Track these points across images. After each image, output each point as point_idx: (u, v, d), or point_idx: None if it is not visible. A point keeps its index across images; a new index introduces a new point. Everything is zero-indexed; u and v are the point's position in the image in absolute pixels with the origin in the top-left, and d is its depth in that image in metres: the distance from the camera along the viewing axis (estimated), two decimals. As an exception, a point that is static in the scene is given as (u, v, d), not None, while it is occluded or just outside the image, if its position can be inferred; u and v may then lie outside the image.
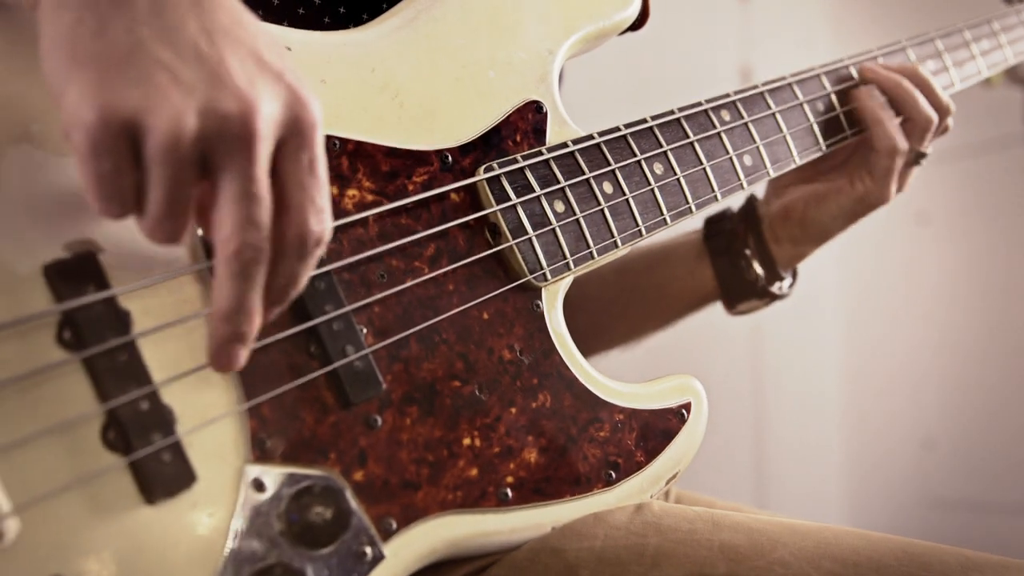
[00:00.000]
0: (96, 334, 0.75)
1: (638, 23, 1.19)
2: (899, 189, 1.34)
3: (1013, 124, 2.63)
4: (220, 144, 0.69)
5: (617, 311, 1.48)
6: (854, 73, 1.32)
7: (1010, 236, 3.07)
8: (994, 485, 3.18)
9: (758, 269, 1.36)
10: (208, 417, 0.80)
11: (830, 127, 1.28)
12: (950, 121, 1.35)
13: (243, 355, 0.75)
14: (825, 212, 1.33)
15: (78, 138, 0.67)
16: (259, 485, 0.81)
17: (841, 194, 1.32)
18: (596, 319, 1.48)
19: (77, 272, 0.76)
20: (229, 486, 0.80)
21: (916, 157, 1.32)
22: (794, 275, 1.42)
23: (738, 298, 1.39)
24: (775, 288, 1.38)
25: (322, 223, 0.75)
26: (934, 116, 1.30)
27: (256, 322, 0.74)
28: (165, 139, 0.66)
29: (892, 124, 1.28)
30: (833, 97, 1.29)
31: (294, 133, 0.72)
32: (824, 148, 1.27)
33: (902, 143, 1.28)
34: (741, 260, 1.37)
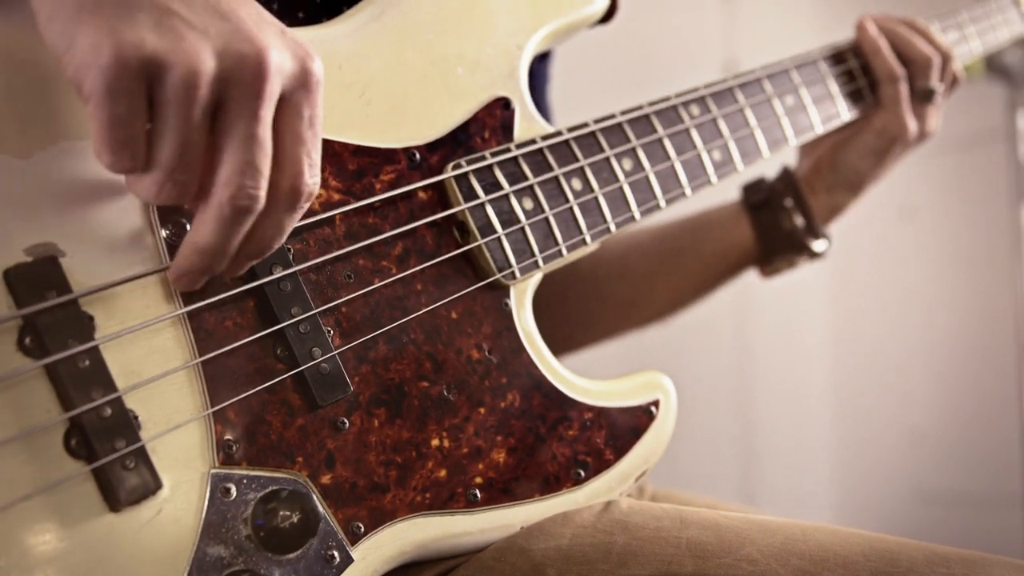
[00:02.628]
0: (58, 340, 0.74)
1: (607, 16, 1.18)
2: (923, 129, 1.40)
3: (995, 118, 2.64)
4: (234, 85, 0.70)
5: (659, 278, 1.51)
6: (824, 67, 1.32)
7: (994, 230, 3.09)
8: (980, 478, 3.20)
9: (798, 219, 1.40)
10: (173, 422, 0.79)
11: (800, 122, 1.28)
12: (958, 67, 1.42)
13: (202, 283, 0.79)
14: (852, 152, 1.39)
15: (92, 80, 0.66)
16: (225, 490, 0.80)
17: (862, 132, 1.38)
18: (638, 289, 1.51)
19: (38, 277, 0.75)
20: (194, 491, 0.79)
21: (925, 93, 1.37)
22: (828, 239, 1.45)
23: (776, 251, 1.43)
24: (811, 243, 1.41)
25: (315, 177, 0.77)
26: (931, 53, 1.37)
27: (227, 262, 0.77)
28: (185, 77, 0.67)
29: (888, 53, 1.37)
30: (802, 91, 1.29)
31: (301, 85, 0.74)
32: (793, 142, 1.27)
33: (899, 69, 1.36)
34: (781, 212, 1.41)
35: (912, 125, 1.38)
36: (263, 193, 0.73)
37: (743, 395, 3.32)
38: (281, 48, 0.72)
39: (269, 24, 0.73)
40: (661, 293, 1.51)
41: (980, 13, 1.58)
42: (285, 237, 0.78)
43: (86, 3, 0.67)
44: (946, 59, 1.40)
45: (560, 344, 1.47)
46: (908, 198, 3.22)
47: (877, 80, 1.37)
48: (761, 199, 1.43)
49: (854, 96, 1.36)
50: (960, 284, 3.29)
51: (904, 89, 1.36)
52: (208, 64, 0.68)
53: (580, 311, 1.37)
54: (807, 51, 1.33)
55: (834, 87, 1.33)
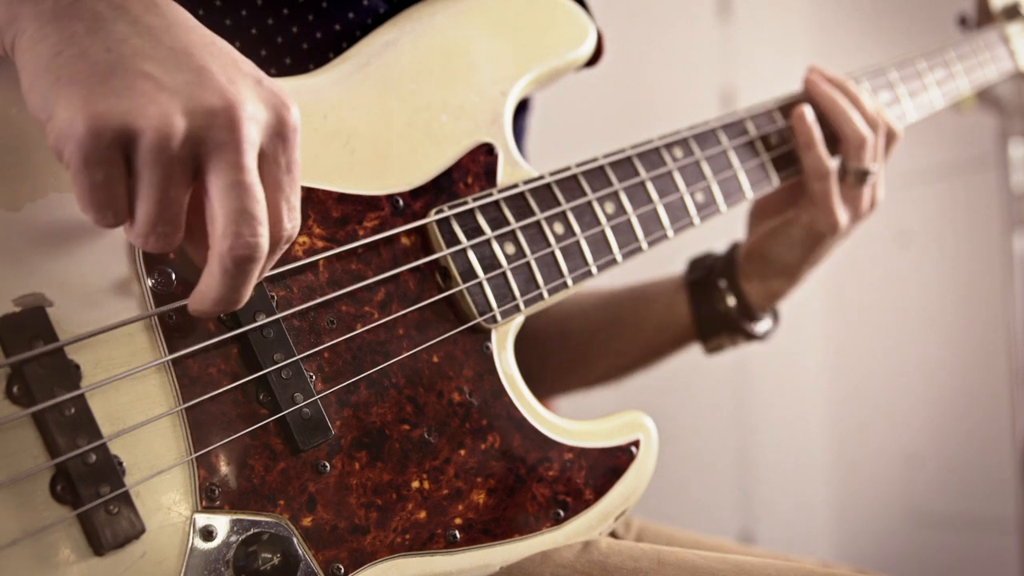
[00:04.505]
0: (45, 388, 0.76)
1: (593, 59, 1.21)
2: (856, 215, 1.34)
3: (987, 146, 2.66)
4: (208, 139, 0.71)
5: (599, 345, 1.50)
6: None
7: (987, 256, 3.10)
8: (975, 501, 3.21)
9: (730, 302, 1.39)
10: (157, 468, 0.81)
11: (782, 161, 1.29)
12: (899, 132, 1.35)
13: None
14: (780, 244, 1.35)
15: (70, 151, 0.68)
16: (207, 533, 0.82)
17: (791, 225, 1.34)
18: (578, 353, 1.51)
19: (26, 326, 0.77)
20: (178, 535, 0.81)
21: (859, 175, 1.31)
22: (775, 318, 1.44)
23: (711, 332, 1.41)
24: (748, 326, 1.39)
25: (293, 221, 0.78)
26: (866, 133, 1.30)
27: (241, 303, 0.78)
28: (155, 140, 0.68)
29: (821, 147, 1.29)
30: (785, 131, 1.30)
31: (276, 134, 0.75)
32: (776, 183, 1.28)
33: (829, 165, 1.29)
34: (715, 292, 1.39)
35: (843, 218, 1.32)
36: (264, 240, 0.73)
37: (740, 418, 3.33)
38: (254, 99, 0.73)
39: (243, 75, 0.74)
40: (600, 359, 1.50)
41: (968, 51, 1.59)
42: (263, 275, 0.79)
43: (62, 74, 0.69)
44: (879, 132, 1.33)
45: None
46: (903, 223, 3.24)
47: (805, 175, 1.30)
48: (698, 278, 1.42)
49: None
50: (954, 309, 3.31)
51: (834, 186, 1.30)
52: (178, 125, 0.69)
53: (522, 369, 1.38)
54: (791, 92, 1.34)
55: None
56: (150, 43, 0.71)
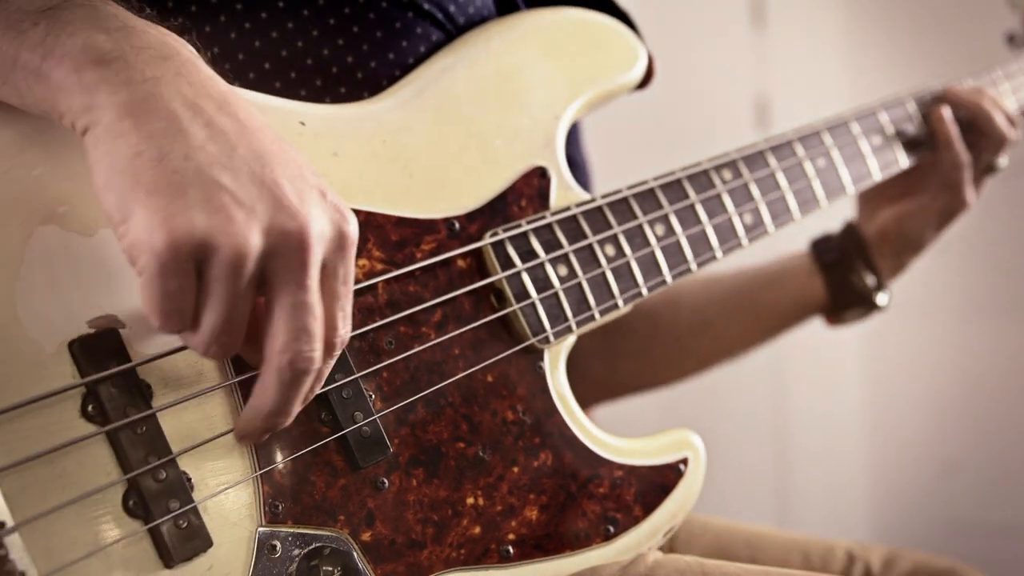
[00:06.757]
0: (118, 408, 0.80)
1: (644, 81, 1.23)
2: (976, 195, 1.50)
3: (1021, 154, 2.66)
4: (279, 259, 0.73)
5: (736, 330, 1.59)
6: (855, 128, 1.36)
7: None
8: (1016, 508, 3.20)
9: (868, 279, 1.49)
10: (223, 484, 0.84)
11: (830, 182, 1.31)
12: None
13: (265, 437, 0.83)
14: (916, 227, 1.47)
15: (146, 261, 0.70)
16: (271, 547, 0.85)
17: (926, 209, 1.47)
18: (717, 340, 1.58)
19: (100, 348, 0.80)
20: (243, 549, 0.84)
21: (991, 168, 1.49)
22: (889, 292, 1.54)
23: (845, 307, 1.51)
24: (878, 298, 1.50)
25: (346, 327, 0.80)
26: (1011, 134, 1.47)
27: (289, 421, 0.81)
28: (232, 258, 0.71)
29: (960, 144, 1.44)
30: (834, 153, 1.32)
31: (337, 248, 0.77)
32: (824, 205, 1.30)
33: (965, 157, 1.45)
34: (853, 273, 1.50)
35: (973, 199, 1.48)
36: (319, 354, 0.77)
37: (776, 423, 3.33)
38: (321, 217, 0.75)
39: (310, 187, 0.76)
40: (737, 342, 1.59)
41: (1015, 69, 1.60)
42: (323, 382, 0.82)
43: (142, 179, 0.70)
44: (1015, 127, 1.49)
45: (645, 386, 1.60)
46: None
47: (943, 167, 1.44)
48: (833, 259, 1.51)
49: (880, 152, 1.39)
50: (992, 314, 3.30)
51: (969, 174, 1.45)
52: (255, 245, 0.71)
53: (664, 363, 1.43)
54: (838, 113, 1.36)
55: (866, 147, 1.36)
56: (225, 150, 0.73)
